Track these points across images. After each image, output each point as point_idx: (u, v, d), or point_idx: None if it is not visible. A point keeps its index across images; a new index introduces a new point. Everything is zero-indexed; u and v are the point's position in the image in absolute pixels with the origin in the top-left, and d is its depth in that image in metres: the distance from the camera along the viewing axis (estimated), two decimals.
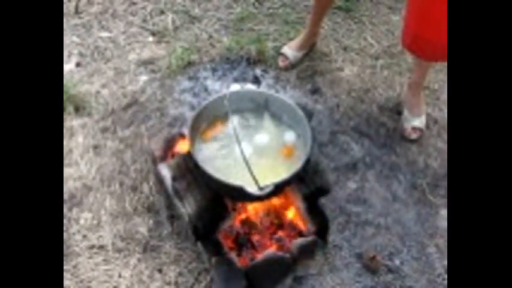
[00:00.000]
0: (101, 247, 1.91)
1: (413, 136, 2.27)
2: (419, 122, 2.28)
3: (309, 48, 2.55)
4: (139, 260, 1.88)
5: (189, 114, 2.25)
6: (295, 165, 1.65)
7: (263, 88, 2.36)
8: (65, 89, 2.31)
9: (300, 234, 1.83)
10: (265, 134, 1.80)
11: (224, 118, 1.78)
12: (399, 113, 2.34)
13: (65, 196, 2.01)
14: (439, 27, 1.61)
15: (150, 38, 2.63)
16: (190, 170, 1.80)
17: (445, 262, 1.93)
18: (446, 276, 1.89)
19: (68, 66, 2.47)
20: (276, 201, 1.84)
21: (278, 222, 1.86)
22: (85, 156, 2.15)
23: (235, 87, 1.93)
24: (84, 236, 1.93)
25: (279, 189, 1.64)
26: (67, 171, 2.09)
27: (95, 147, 2.18)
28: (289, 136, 1.79)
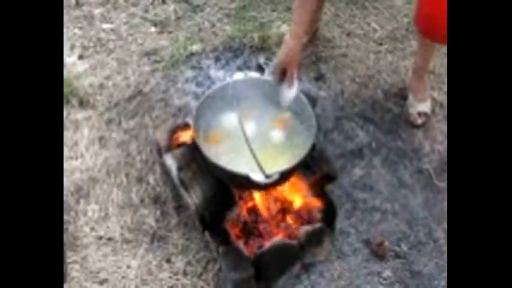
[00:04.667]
0: (109, 238, 1.92)
1: (419, 121, 2.25)
2: (424, 106, 2.26)
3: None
4: (147, 250, 1.89)
5: (194, 104, 2.24)
6: (301, 152, 1.65)
7: (266, 76, 2.35)
8: (68, 82, 2.30)
9: (307, 221, 1.83)
10: (270, 122, 1.79)
11: (228, 106, 1.78)
12: (404, 98, 2.32)
13: (72, 189, 2.02)
14: None
15: (153, 29, 2.62)
16: (196, 160, 1.80)
17: None
18: None
19: (71, 59, 2.47)
20: (282, 188, 1.84)
21: (285, 210, 1.86)
22: (90, 149, 2.15)
23: (239, 75, 1.92)
24: (92, 228, 1.94)
25: (285, 176, 1.64)
26: (73, 163, 2.09)
27: (100, 139, 2.18)
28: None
